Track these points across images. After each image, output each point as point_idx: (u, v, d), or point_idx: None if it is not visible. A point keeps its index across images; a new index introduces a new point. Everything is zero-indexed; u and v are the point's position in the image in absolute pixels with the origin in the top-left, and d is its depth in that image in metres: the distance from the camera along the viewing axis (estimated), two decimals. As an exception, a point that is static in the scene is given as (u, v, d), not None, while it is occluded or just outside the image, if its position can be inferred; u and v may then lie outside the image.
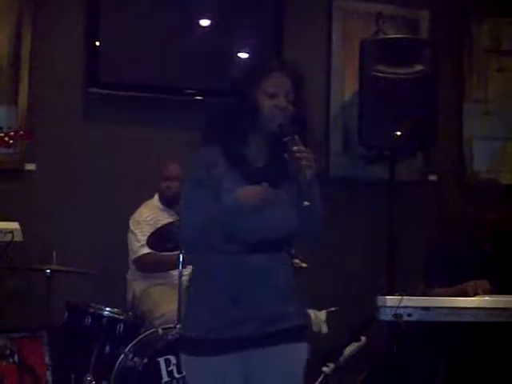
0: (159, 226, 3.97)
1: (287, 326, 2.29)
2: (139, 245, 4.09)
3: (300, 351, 2.35)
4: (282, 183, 2.29)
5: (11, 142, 3.61)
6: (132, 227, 4.18)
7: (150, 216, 4.20)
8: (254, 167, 2.30)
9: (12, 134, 3.61)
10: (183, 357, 2.34)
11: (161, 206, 4.28)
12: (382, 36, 4.86)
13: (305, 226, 2.30)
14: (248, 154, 2.30)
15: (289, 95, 2.31)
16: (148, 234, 3.95)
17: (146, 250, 4.00)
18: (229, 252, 2.26)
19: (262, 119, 2.28)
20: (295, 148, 2.21)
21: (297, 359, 2.34)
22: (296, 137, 2.23)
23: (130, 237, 4.17)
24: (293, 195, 2.24)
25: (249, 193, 2.21)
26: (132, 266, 4.20)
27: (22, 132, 3.66)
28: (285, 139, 2.24)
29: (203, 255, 2.30)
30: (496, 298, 3.40)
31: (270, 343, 2.27)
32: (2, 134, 3.61)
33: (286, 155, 2.25)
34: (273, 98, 2.29)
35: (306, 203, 2.18)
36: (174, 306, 3.63)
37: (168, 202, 4.26)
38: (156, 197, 4.32)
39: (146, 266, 4.14)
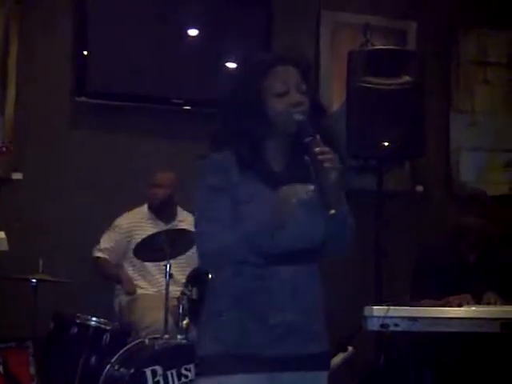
0: (133, 235, 4.08)
1: (314, 350, 2.05)
2: (97, 247, 4.19)
3: (323, 381, 2.11)
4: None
5: None
6: (107, 230, 4.22)
7: (126, 224, 4.22)
8: (273, 172, 2.04)
9: None
10: (202, 381, 2.06)
11: (148, 215, 4.27)
12: (369, 47, 4.88)
13: (332, 236, 2.07)
14: (266, 159, 2.04)
15: (300, 86, 2.03)
16: (113, 241, 4.12)
17: (99, 254, 4.15)
18: (252, 263, 2.00)
19: (277, 123, 2.02)
20: (317, 149, 1.93)
21: None
22: (317, 137, 1.95)
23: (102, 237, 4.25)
24: (317, 201, 1.97)
25: (287, 193, 1.97)
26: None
27: (4, 149, 3.61)
28: (305, 140, 1.96)
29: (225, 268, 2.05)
30: (482, 309, 3.41)
31: (295, 368, 2.02)
32: None
33: (306, 158, 1.96)
34: (283, 96, 2.01)
35: (332, 211, 1.93)
36: (160, 316, 3.62)
37: (155, 210, 4.25)
38: (145, 205, 4.31)
39: (97, 270, 4.21)
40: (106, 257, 4.17)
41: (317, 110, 2.07)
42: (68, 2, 4.50)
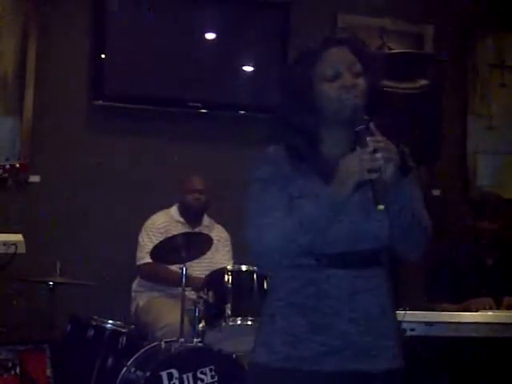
0: (168, 235, 3.94)
1: (378, 367, 1.84)
2: (144, 252, 4.07)
3: None
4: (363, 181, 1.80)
5: (6, 175, 3.53)
6: (142, 234, 4.18)
7: (162, 224, 4.19)
8: (327, 165, 1.86)
9: (8, 167, 3.52)
10: None
11: (178, 218, 4.25)
12: (385, 51, 4.88)
13: (401, 238, 1.89)
14: (320, 151, 1.90)
15: (354, 67, 1.87)
16: (156, 242, 3.91)
17: (149, 260, 3.97)
18: (305, 266, 1.85)
19: (330, 110, 1.86)
20: (369, 139, 1.77)
21: None
22: (371, 124, 1.79)
23: (139, 243, 4.17)
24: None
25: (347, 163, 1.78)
26: (138, 276, 4.19)
27: (17, 165, 3.55)
28: (357, 129, 1.80)
29: (279, 270, 1.89)
30: (499, 313, 3.40)
31: None
32: None
33: (358, 148, 1.79)
34: (335, 80, 1.86)
35: (380, 207, 1.76)
36: (177, 317, 3.62)
37: (192, 215, 4.23)
38: (174, 208, 4.30)
39: (147, 276, 4.13)
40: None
41: (375, 93, 1.89)
42: (86, 5, 4.52)
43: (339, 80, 1.86)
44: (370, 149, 1.76)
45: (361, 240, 1.86)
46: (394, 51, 4.84)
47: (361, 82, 1.86)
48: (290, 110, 1.90)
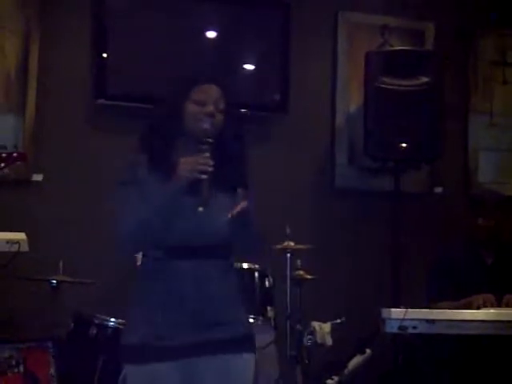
0: None
1: (225, 335, 2.26)
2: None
3: (242, 363, 2.29)
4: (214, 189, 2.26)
5: (2, 164, 3.53)
6: None
7: None
8: (175, 165, 2.29)
9: (4, 155, 3.54)
10: (125, 366, 2.36)
11: None
12: (387, 48, 4.88)
13: (239, 240, 2.30)
14: (175, 160, 2.29)
15: (218, 104, 2.33)
16: None
17: None
18: (155, 257, 2.33)
19: (189, 125, 2.32)
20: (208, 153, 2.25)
21: (238, 371, 2.28)
22: (205, 145, 2.25)
23: None
24: (224, 202, 2.25)
25: (186, 162, 2.23)
26: None
27: (15, 154, 3.58)
28: (199, 146, 2.26)
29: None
30: (500, 311, 3.41)
31: (205, 352, 2.24)
32: None
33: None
34: (201, 106, 2.32)
35: (200, 208, 2.20)
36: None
37: None
38: None
39: None
40: None
41: (229, 129, 2.35)
42: (86, 4, 4.53)
43: (203, 107, 2.32)
44: (207, 155, 2.23)
45: (200, 236, 2.27)
46: (395, 48, 4.85)
47: (220, 115, 2.33)
48: (161, 117, 2.40)
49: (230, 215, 2.19)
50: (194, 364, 2.25)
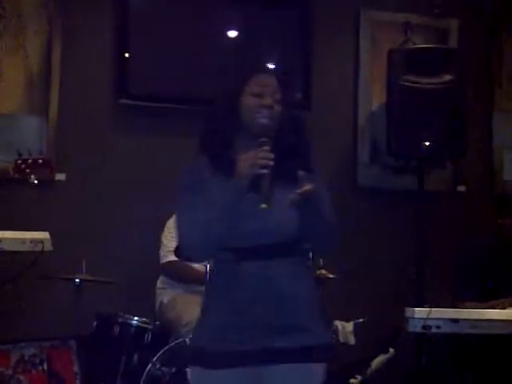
0: None
1: (295, 343, 2.13)
2: (166, 251, 4.08)
3: (313, 373, 2.18)
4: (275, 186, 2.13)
5: (28, 171, 3.52)
6: (164, 233, 4.19)
7: None
8: (235, 162, 2.18)
9: (30, 161, 3.53)
10: (191, 368, 2.29)
11: None
12: (410, 46, 4.85)
13: (309, 233, 2.16)
14: (234, 154, 2.19)
15: (275, 95, 2.22)
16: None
17: (173, 258, 3.96)
18: (223, 260, 2.19)
19: (247, 119, 2.21)
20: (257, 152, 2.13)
21: (308, 380, 2.17)
22: (265, 139, 2.13)
23: (161, 242, 4.18)
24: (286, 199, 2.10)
25: (245, 158, 2.12)
26: (162, 274, 4.21)
27: (40, 161, 3.55)
28: (259, 140, 2.14)
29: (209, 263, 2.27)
30: (526, 311, 3.37)
31: (275, 360, 2.12)
32: (20, 162, 3.54)
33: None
34: (258, 97, 2.21)
35: (262, 206, 2.07)
36: (199, 315, 3.61)
37: None
38: None
39: (171, 274, 4.14)
40: (178, 259, 3.90)
41: (288, 120, 2.24)
42: (109, 4, 4.55)
43: (260, 98, 2.20)
44: (267, 148, 2.11)
45: (268, 234, 2.14)
46: (418, 46, 4.81)
47: (278, 106, 2.22)
48: (216, 118, 2.26)
49: (291, 199, 2.05)
50: (263, 372, 2.15)
